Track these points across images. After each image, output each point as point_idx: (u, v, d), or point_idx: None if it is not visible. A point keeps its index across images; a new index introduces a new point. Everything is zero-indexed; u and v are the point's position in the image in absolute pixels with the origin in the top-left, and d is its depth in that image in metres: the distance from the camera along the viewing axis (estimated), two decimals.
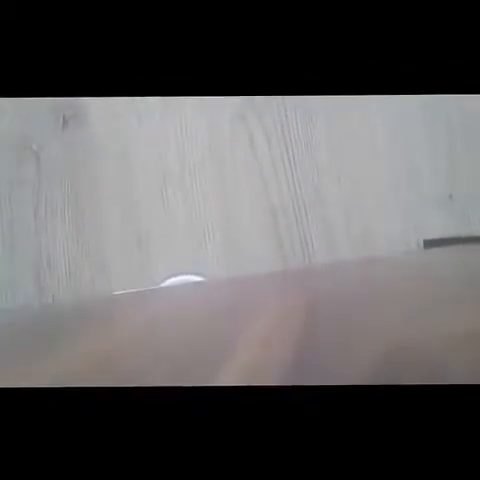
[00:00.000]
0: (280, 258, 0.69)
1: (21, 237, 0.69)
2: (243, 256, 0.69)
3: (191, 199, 0.70)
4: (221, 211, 0.70)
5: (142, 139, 0.71)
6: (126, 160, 0.71)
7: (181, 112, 0.71)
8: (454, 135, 0.71)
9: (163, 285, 0.67)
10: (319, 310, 0.16)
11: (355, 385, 0.10)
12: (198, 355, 0.13)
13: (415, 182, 0.71)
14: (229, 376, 0.11)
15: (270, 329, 0.14)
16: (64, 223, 0.70)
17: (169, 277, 0.68)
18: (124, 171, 0.70)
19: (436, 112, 0.71)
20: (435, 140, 0.71)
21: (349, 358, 0.11)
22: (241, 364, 0.12)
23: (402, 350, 0.11)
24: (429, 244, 0.60)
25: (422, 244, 0.66)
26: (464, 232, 0.68)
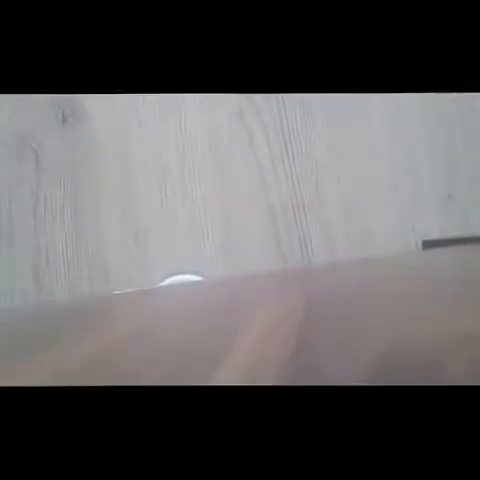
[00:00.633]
0: (279, 258, 0.69)
1: (20, 236, 0.69)
2: (242, 256, 0.69)
3: (190, 198, 0.70)
4: (220, 210, 0.70)
5: (141, 137, 0.71)
6: (125, 158, 0.71)
7: (180, 110, 0.71)
8: (454, 135, 0.71)
9: (162, 284, 0.67)
10: (318, 310, 0.16)
11: (354, 385, 0.10)
12: (196, 354, 0.13)
13: (414, 182, 0.71)
14: (228, 375, 0.11)
15: (268, 329, 0.14)
16: (63, 222, 0.70)
17: (168, 276, 0.68)
18: (123, 169, 0.70)
19: (436, 112, 0.71)
20: (435, 140, 0.71)
21: (348, 358, 0.11)
22: (239, 363, 0.12)
23: (401, 350, 0.11)
24: (428, 244, 0.60)
25: (421, 244, 0.66)
26: (463, 232, 0.68)
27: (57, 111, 0.71)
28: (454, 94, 0.70)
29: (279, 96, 0.71)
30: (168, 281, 0.67)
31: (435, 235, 0.68)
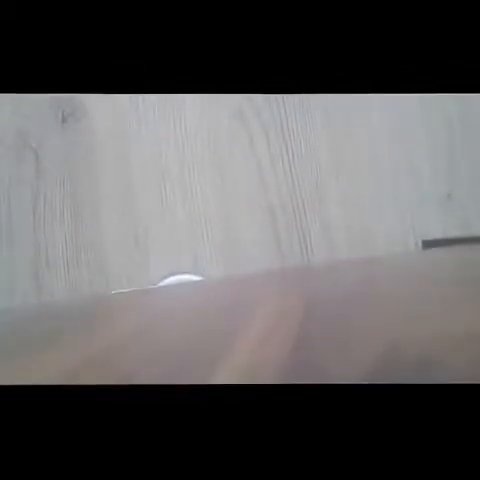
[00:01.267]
0: (279, 257, 0.69)
1: (20, 236, 0.69)
2: (241, 255, 0.69)
3: (190, 198, 0.70)
4: (220, 210, 0.70)
5: (141, 137, 0.71)
6: (125, 158, 0.71)
7: (180, 110, 0.71)
8: (454, 135, 0.71)
9: (161, 284, 0.67)
10: (318, 309, 0.16)
11: (353, 384, 0.10)
12: (196, 354, 0.13)
13: (414, 182, 0.71)
14: (227, 375, 0.11)
15: (268, 328, 0.14)
16: (63, 222, 0.70)
17: (167, 276, 0.68)
18: (123, 169, 0.70)
19: (436, 112, 0.71)
20: (435, 140, 0.71)
21: (348, 358, 0.11)
22: (239, 363, 0.12)
23: (401, 349, 0.11)
24: (428, 244, 0.60)
25: (421, 244, 0.66)
26: (463, 232, 0.68)
27: (57, 111, 0.71)
28: (454, 94, 0.70)
29: (279, 96, 0.71)
30: (168, 281, 0.67)
31: (435, 235, 0.68)
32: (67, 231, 0.70)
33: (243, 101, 0.71)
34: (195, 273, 0.68)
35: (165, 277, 0.68)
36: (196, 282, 0.62)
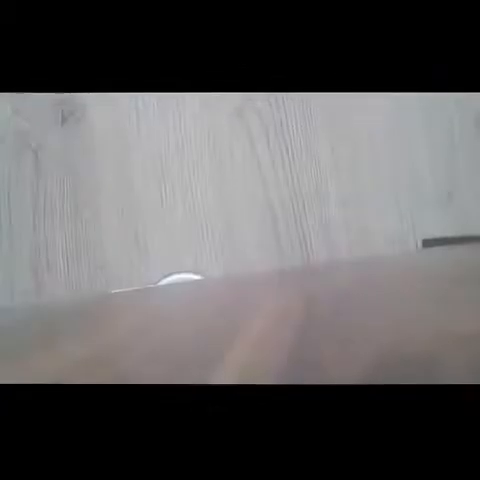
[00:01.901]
0: (278, 256, 0.69)
1: (20, 235, 0.69)
2: (241, 254, 0.69)
3: (189, 197, 0.70)
4: (220, 210, 0.70)
5: (141, 137, 0.71)
6: (125, 157, 0.70)
7: (180, 109, 0.71)
8: (454, 135, 0.71)
9: (161, 283, 0.67)
10: (317, 309, 0.16)
11: (353, 385, 0.10)
12: (196, 354, 0.13)
13: (414, 181, 0.71)
14: (227, 375, 0.11)
15: (268, 328, 0.14)
16: (62, 221, 0.70)
17: (167, 276, 0.68)
18: (123, 169, 0.70)
19: (436, 112, 0.71)
20: (435, 140, 0.71)
21: (347, 358, 0.11)
22: (239, 363, 0.12)
23: (401, 349, 0.11)
24: (428, 243, 0.60)
25: (421, 243, 0.66)
26: (463, 231, 0.68)
27: (57, 110, 0.71)
28: (454, 94, 0.70)
29: (279, 95, 0.71)
30: (167, 280, 0.67)
31: (435, 235, 0.68)
32: (67, 231, 0.70)
33: (243, 100, 0.71)
34: (195, 272, 0.68)
35: (165, 276, 0.68)
36: (196, 281, 0.62)
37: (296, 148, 0.71)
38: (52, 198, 0.70)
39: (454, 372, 0.09)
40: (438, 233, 0.69)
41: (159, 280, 0.68)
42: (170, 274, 0.68)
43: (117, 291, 0.66)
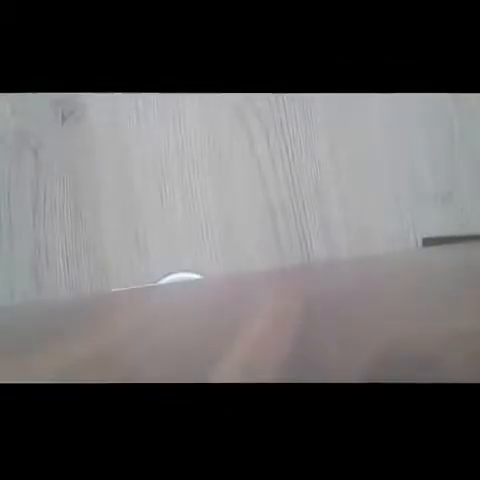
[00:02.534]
0: (278, 255, 0.69)
1: (20, 234, 0.69)
2: (241, 254, 0.69)
3: (189, 196, 0.70)
4: (219, 208, 0.70)
5: (141, 136, 0.71)
6: (125, 157, 0.71)
7: (180, 109, 0.71)
8: (454, 135, 0.71)
9: (161, 282, 0.68)
10: (317, 308, 0.16)
11: (353, 383, 0.10)
12: (196, 352, 0.13)
13: (414, 182, 0.71)
14: (227, 373, 0.11)
15: (268, 327, 0.14)
16: (62, 220, 0.70)
17: (167, 274, 0.68)
18: (123, 168, 0.70)
19: (436, 112, 0.71)
20: (435, 140, 0.71)
21: (347, 356, 0.11)
22: (239, 362, 0.12)
23: (401, 348, 0.11)
24: (428, 242, 0.60)
25: (421, 242, 0.66)
26: (463, 231, 0.68)
27: (57, 110, 0.71)
28: (454, 94, 0.70)
29: (279, 96, 0.71)
30: (167, 279, 0.68)
31: (435, 233, 0.68)
32: (67, 230, 0.70)
33: (243, 100, 0.71)
34: (195, 271, 0.68)
35: (165, 275, 0.68)
36: (196, 281, 0.62)
37: (296, 148, 0.71)
38: (52, 197, 0.70)
39: (455, 371, 0.10)
40: (438, 232, 0.69)
41: (159, 279, 0.68)
42: (170, 273, 0.68)
43: (117, 290, 0.67)
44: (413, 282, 0.18)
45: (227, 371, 0.11)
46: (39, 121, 0.71)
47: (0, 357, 0.14)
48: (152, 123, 0.71)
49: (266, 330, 0.14)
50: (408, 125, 0.71)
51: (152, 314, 0.18)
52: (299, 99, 0.71)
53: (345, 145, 0.71)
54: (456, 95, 0.70)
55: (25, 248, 0.69)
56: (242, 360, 0.12)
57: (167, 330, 0.15)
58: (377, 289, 0.17)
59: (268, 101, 0.71)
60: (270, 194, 0.70)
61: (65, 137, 0.71)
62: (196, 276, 0.67)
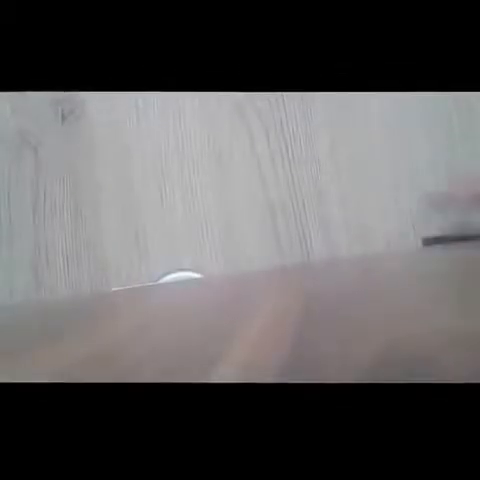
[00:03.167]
0: (278, 255, 0.69)
1: (20, 234, 0.69)
2: (241, 253, 0.69)
3: (189, 196, 0.70)
4: (220, 209, 0.70)
5: (141, 135, 0.71)
6: (125, 156, 0.70)
7: (180, 108, 0.71)
8: (454, 135, 0.71)
9: (161, 281, 0.67)
10: (317, 307, 0.16)
11: (353, 383, 0.10)
12: (196, 351, 0.13)
13: (414, 182, 0.71)
14: (227, 373, 0.11)
15: (268, 327, 0.14)
16: (63, 220, 0.70)
17: (167, 274, 0.68)
18: (123, 167, 0.70)
19: (436, 112, 0.71)
20: (435, 140, 0.71)
21: (347, 355, 0.11)
22: (239, 361, 0.12)
23: (400, 347, 0.11)
24: (428, 242, 0.60)
25: (421, 242, 0.66)
26: (463, 231, 0.68)
27: (57, 109, 0.71)
28: (454, 94, 0.70)
29: (279, 95, 0.71)
30: (168, 278, 0.67)
31: (435, 233, 0.68)
32: (67, 229, 0.70)
33: (243, 99, 0.71)
34: (195, 270, 0.68)
35: (165, 274, 0.68)
36: (196, 280, 0.62)
37: (296, 148, 0.71)
38: (52, 196, 0.70)
39: (453, 370, 0.10)
40: (438, 233, 0.69)
41: (159, 278, 0.68)
42: (170, 273, 0.68)
43: (117, 289, 0.66)
44: (412, 282, 0.18)
45: (227, 371, 0.11)
46: (39, 120, 0.71)
47: (0, 356, 0.14)
48: (152, 122, 0.71)
49: (266, 330, 0.14)
50: (408, 125, 0.71)
51: (152, 314, 0.18)
52: (299, 98, 0.71)
53: (345, 145, 0.71)
54: (456, 95, 0.70)
55: (25, 248, 0.69)
56: (242, 360, 0.12)
57: (167, 329, 0.15)
58: (377, 289, 0.17)
59: (268, 100, 0.71)
60: (270, 194, 0.70)
61: (65, 136, 0.71)
62: (196, 275, 0.67)
